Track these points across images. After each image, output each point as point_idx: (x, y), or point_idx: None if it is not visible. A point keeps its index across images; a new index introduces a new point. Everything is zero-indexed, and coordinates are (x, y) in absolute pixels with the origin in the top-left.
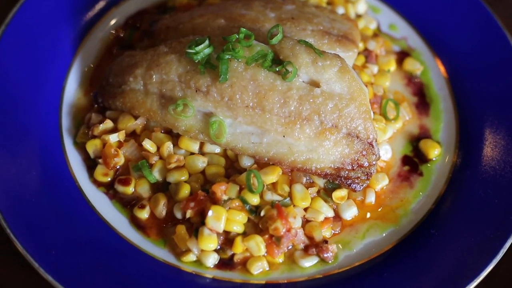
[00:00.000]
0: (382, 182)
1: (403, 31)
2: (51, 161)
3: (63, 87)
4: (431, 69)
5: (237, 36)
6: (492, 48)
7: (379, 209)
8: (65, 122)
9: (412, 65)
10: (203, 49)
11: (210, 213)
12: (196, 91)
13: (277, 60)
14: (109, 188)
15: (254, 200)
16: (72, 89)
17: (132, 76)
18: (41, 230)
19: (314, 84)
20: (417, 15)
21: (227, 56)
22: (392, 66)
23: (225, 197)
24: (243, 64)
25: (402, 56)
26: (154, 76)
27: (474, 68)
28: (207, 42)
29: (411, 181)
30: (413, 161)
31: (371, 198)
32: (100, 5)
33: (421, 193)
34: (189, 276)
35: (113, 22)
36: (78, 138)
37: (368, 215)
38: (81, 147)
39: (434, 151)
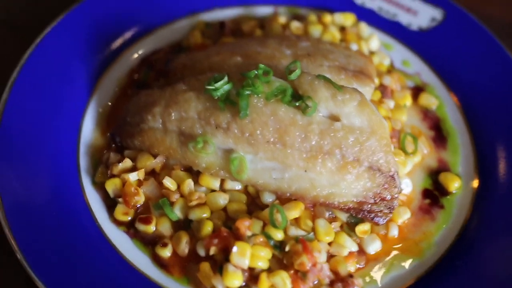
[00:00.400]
0: (404, 216)
1: (416, 67)
2: (71, 202)
3: (80, 127)
4: (446, 103)
5: (256, 72)
6: (503, 78)
7: (402, 243)
8: (83, 162)
9: (427, 100)
10: (223, 85)
11: (234, 249)
12: (216, 127)
13: (296, 96)
14: (129, 227)
15: (278, 235)
16: (88, 130)
17: (151, 115)
18: (64, 272)
19: (334, 118)
20: (429, 50)
21: (247, 92)
22: (408, 101)
23: (249, 233)
24: (262, 100)
25: (417, 91)
26: (173, 114)
27: (488, 99)
28: (226, 78)
29: (433, 214)
30: (434, 194)
31: (394, 232)
32: (115, 45)
33: (443, 226)
34: None
35: (128, 62)
36: (97, 178)
37: (392, 249)
38: (100, 187)
39: (454, 184)
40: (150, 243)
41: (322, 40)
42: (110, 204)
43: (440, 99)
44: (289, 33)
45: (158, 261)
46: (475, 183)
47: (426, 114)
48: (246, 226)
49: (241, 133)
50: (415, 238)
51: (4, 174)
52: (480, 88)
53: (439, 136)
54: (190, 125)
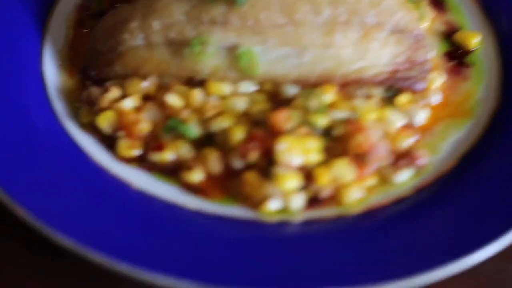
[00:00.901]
0: (438, 79)
1: None
2: (65, 156)
3: (41, 72)
4: None
5: None
6: None
7: (447, 108)
8: (59, 108)
9: None
10: None
11: (279, 146)
12: (212, 23)
13: None
14: (142, 162)
15: (322, 121)
16: (52, 74)
17: (127, 33)
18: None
19: None
20: None
21: None
22: None
23: (289, 126)
24: None
25: None
26: (154, 24)
27: None
28: None
29: (464, 73)
30: (456, 55)
31: (435, 98)
32: None
33: (480, 82)
34: (277, 227)
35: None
36: (83, 119)
37: (440, 115)
38: (89, 128)
39: (473, 40)
40: (173, 172)
41: None
42: (109, 143)
43: None
44: None
45: (191, 188)
46: (494, 34)
47: None
48: (284, 117)
49: (242, 22)
50: (458, 99)
51: None
52: None
53: (435, 0)
54: (180, 30)
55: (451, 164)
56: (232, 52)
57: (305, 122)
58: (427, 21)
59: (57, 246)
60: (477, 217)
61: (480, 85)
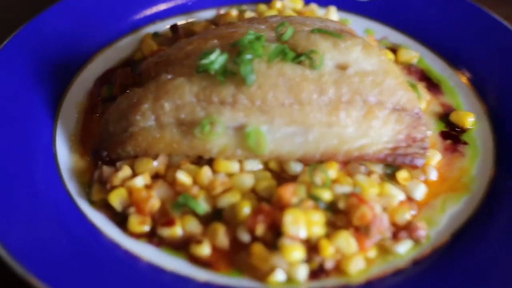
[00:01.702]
0: (435, 158)
1: (381, 32)
2: (78, 232)
3: (55, 154)
4: (424, 56)
5: (249, 38)
6: (467, 18)
7: (445, 183)
8: (71, 187)
9: (407, 55)
10: (218, 57)
11: (287, 218)
12: (221, 104)
13: (296, 55)
14: (151, 237)
15: (326, 195)
16: (64, 155)
17: (139, 114)
18: None
19: (343, 67)
20: (387, 14)
21: (247, 56)
22: (391, 57)
23: (295, 200)
24: (264, 63)
25: (392, 51)
26: (166, 105)
27: (466, 40)
28: (218, 50)
29: (460, 150)
30: (452, 134)
31: (433, 174)
32: (65, 71)
33: (476, 158)
34: None
35: (83, 86)
36: (94, 197)
37: (438, 191)
38: (100, 206)
39: (468, 119)
40: (182, 246)
41: (288, 15)
42: (119, 220)
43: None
44: None
45: (199, 262)
46: (487, 114)
47: (410, 69)
48: (290, 191)
49: (251, 102)
50: (454, 176)
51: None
52: (456, 35)
53: (431, 84)
54: (190, 111)
55: (448, 236)
56: (240, 131)
57: (310, 196)
58: (424, 103)
59: None
60: (471, 286)
61: (476, 162)
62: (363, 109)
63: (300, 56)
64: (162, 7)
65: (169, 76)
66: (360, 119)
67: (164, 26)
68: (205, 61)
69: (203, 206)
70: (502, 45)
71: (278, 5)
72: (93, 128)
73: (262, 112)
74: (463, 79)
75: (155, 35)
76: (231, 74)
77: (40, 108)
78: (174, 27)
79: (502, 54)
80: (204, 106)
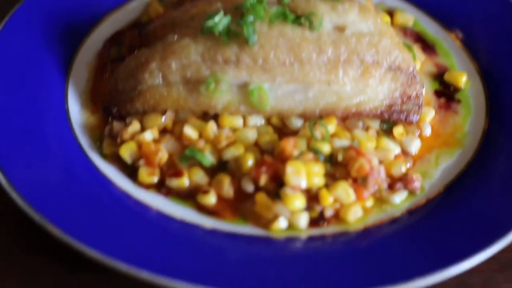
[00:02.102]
0: (429, 114)
1: None
2: (87, 179)
3: (66, 110)
4: (419, 19)
5: (251, 0)
6: None
7: (438, 138)
8: (84, 142)
9: (403, 18)
10: (222, 19)
11: (289, 169)
12: (225, 63)
13: (296, 17)
14: (160, 188)
15: (326, 148)
16: (76, 112)
17: (147, 73)
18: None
19: (341, 28)
20: None
21: (250, 18)
22: (388, 19)
23: (296, 152)
24: (266, 25)
25: (389, 14)
26: (173, 64)
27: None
28: (221, 13)
29: (453, 108)
30: (446, 93)
31: (427, 130)
32: (74, 34)
33: (468, 116)
34: (285, 243)
35: (92, 47)
36: (106, 150)
37: (432, 145)
38: (112, 158)
39: (461, 79)
40: (189, 196)
41: None
42: (130, 172)
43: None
44: None
45: (205, 210)
46: (480, 75)
47: (405, 31)
48: (291, 144)
49: (253, 61)
50: (448, 131)
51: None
52: None
53: (426, 45)
54: (196, 70)
55: (442, 188)
56: (244, 89)
57: (310, 149)
58: (419, 63)
59: (87, 258)
60: (463, 234)
61: (468, 119)
62: (360, 68)
63: (299, 18)
64: None
65: (175, 37)
66: (357, 78)
67: None
68: (209, 23)
69: (209, 158)
70: (493, 8)
71: None
72: (103, 86)
73: (264, 70)
74: (457, 40)
75: None
76: (235, 35)
77: (52, 69)
78: None
79: (493, 16)
80: (209, 65)
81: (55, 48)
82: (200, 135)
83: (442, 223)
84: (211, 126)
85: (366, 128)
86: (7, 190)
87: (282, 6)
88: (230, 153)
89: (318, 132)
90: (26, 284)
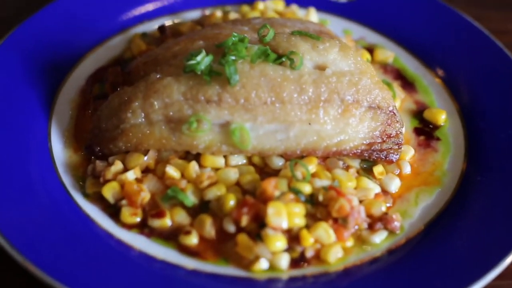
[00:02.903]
0: (409, 153)
1: (358, 33)
2: (73, 223)
3: (49, 149)
4: (399, 55)
5: (233, 39)
6: (440, 20)
7: (418, 177)
8: (66, 181)
9: (383, 54)
10: (204, 58)
11: (270, 210)
12: (207, 102)
13: (278, 56)
14: (142, 228)
15: (307, 188)
16: (59, 150)
17: (130, 112)
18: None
19: (321, 67)
20: (365, 16)
21: (231, 58)
22: (368, 57)
23: (277, 193)
24: (247, 64)
25: (369, 51)
26: (155, 103)
27: (439, 43)
28: (203, 52)
29: (433, 146)
30: (425, 130)
31: (407, 168)
32: (56, 70)
33: (448, 154)
34: (266, 284)
35: (75, 84)
36: (88, 190)
37: (411, 184)
38: (94, 199)
39: (441, 116)
40: (171, 236)
41: (270, 17)
42: (112, 211)
43: (394, 53)
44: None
45: (187, 251)
46: (459, 112)
47: (386, 68)
48: (273, 185)
49: (235, 101)
50: (427, 170)
51: None
52: (430, 35)
53: (406, 82)
54: (178, 109)
55: (421, 228)
56: (226, 128)
57: (291, 189)
58: (399, 101)
59: None
60: (442, 274)
61: (448, 157)
62: (341, 108)
63: (281, 57)
64: (150, 7)
65: (158, 76)
66: (337, 117)
67: (152, 26)
68: (191, 62)
69: (191, 198)
70: (473, 46)
71: (260, 6)
72: (86, 124)
73: (246, 110)
74: (436, 78)
75: (144, 35)
76: (216, 74)
77: (35, 106)
78: (161, 28)
79: (473, 54)
80: (191, 104)
81: (38, 85)
82: (182, 175)
83: (421, 263)
84: (193, 166)
85: (347, 168)
86: None
87: (263, 45)
88: (212, 193)
89: (299, 172)
90: None
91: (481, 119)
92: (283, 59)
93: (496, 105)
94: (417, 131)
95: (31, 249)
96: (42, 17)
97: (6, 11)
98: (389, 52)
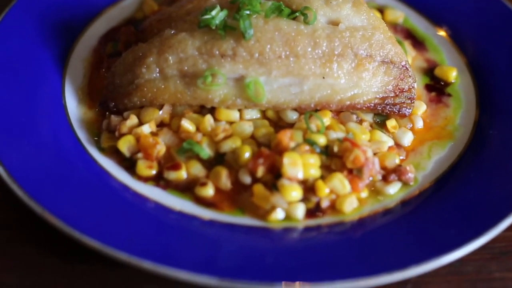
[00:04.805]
0: (421, 108)
1: None
2: (90, 176)
3: (64, 105)
4: (409, 16)
5: None
6: None
7: (430, 131)
8: (82, 136)
9: (393, 15)
10: (219, 13)
11: (285, 160)
12: (222, 57)
13: (292, 11)
14: (158, 180)
15: (321, 140)
16: (73, 107)
17: (144, 67)
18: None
19: (335, 23)
20: None
21: (246, 12)
22: (379, 16)
23: (292, 144)
24: (262, 19)
25: (379, 11)
26: (170, 58)
27: (450, 3)
28: (218, 6)
29: (444, 102)
30: (437, 87)
31: (419, 123)
32: (69, 30)
33: (459, 109)
34: (282, 233)
35: (87, 44)
36: (104, 144)
37: (424, 138)
38: (109, 152)
39: (452, 73)
40: (187, 188)
41: None
42: (128, 165)
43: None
44: None
45: (203, 202)
46: (469, 69)
47: (396, 28)
48: (288, 136)
49: (249, 55)
50: (439, 124)
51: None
52: None
53: (416, 41)
54: (192, 63)
55: (434, 180)
56: (240, 82)
57: (306, 141)
58: (410, 58)
59: (86, 249)
60: (456, 224)
61: (459, 112)
62: (354, 62)
63: (295, 12)
64: None
65: (172, 31)
66: (351, 71)
67: None
68: (206, 17)
69: (206, 151)
70: (480, 4)
71: None
72: (99, 82)
73: (260, 64)
74: (446, 37)
75: None
76: (231, 29)
77: (48, 65)
78: None
79: (480, 12)
80: (206, 58)
81: (51, 45)
82: (198, 129)
83: (435, 213)
84: (208, 119)
85: (360, 121)
86: (8, 182)
87: (277, 0)
88: (227, 146)
89: (313, 125)
90: (23, 277)
91: (490, 73)
92: (297, 14)
93: (506, 60)
94: (428, 88)
95: (48, 200)
96: None
97: None
98: (399, 12)
